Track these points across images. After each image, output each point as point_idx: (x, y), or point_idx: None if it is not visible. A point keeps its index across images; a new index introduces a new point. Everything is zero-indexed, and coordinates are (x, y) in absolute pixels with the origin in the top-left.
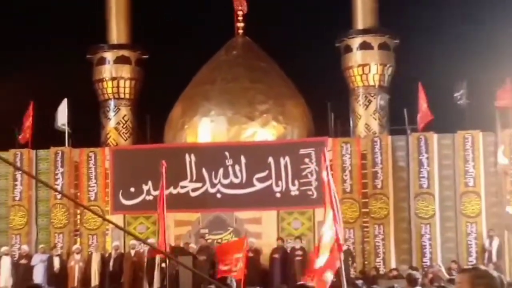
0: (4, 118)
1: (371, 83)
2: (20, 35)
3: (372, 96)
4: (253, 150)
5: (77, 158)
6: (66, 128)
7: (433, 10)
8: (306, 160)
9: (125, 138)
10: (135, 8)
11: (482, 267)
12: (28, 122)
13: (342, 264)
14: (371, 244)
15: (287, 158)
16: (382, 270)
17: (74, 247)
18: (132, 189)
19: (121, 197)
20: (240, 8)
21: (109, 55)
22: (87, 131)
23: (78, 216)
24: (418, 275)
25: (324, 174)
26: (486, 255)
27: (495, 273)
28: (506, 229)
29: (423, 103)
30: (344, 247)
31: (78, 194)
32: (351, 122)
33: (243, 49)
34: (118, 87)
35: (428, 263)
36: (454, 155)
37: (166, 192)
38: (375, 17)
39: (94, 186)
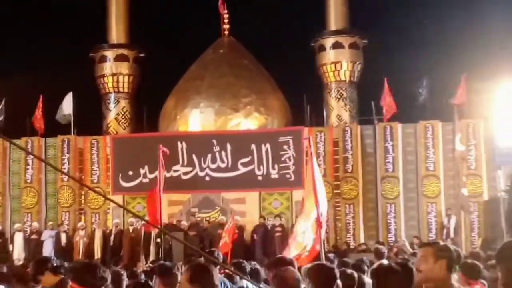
0: (17, 110)
1: (343, 78)
2: (26, 37)
3: (344, 90)
4: (238, 138)
5: (81, 145)
6: (64, 120)
7: (399, 13)
8: (285, 147)
9: (124, 127)
10: (133, 11)
11: (442, 242)
12: (38, 113)
13: (322, 240)
14: (343, 221)
15: (268, 145)
16: (352, 245)
17: (79, 224)
18: (131, 173)
19: (120, 180)
20: (225, 11)
21: (110, 54)
22: (90, 121)
23: (83, 197)
24: (384, 249)
25: (307, 159)
26: (445, 231)
27: (453, 247)
28: (462, 209)
29: (388, 97)
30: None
31: (83, 177)
32: (324, 113)
33: (229, 48)
34: (117, 82)
35: (393, 239)
36: (416, 142)
37: None
38: (346, 19)
39: (96, 170)
